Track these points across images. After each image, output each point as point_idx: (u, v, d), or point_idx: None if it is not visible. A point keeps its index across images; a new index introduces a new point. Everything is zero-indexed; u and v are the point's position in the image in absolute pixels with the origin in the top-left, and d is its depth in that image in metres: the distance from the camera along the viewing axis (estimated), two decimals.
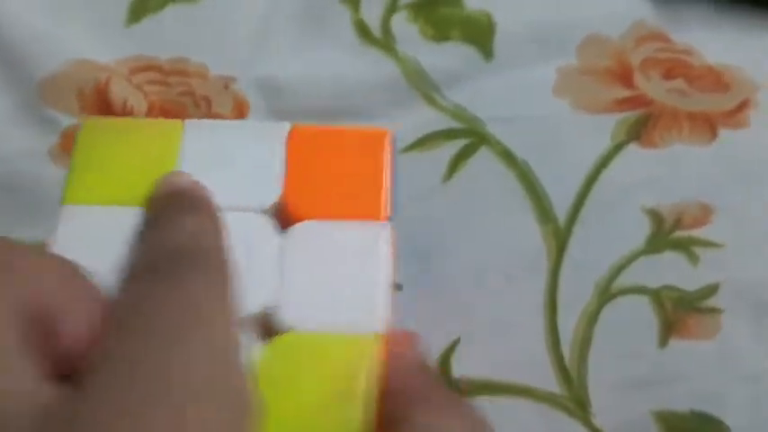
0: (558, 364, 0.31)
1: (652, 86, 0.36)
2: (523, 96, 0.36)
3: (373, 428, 0.19)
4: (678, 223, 0.33)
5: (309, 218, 0.23)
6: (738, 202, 0.34)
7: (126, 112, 0.35)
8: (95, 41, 0.36)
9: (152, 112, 0.35)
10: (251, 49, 0.36)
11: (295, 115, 0.33)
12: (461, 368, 0.31)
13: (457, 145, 0.35)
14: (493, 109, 0.36)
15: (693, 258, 0.33)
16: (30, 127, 0.35)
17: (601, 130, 0.36)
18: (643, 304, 0.32)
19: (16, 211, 0.34)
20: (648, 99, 0.36)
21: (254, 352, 0.20)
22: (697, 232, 0.33)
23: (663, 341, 0.31)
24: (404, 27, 0.37)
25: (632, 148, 0.35)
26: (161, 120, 0.26)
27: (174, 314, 0.16)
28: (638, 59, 0.37)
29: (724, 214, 0.34)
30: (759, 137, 0.35)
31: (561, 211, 0.34)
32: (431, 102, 0.36)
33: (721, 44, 0.37)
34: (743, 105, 0.36)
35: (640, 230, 0.33)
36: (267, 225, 0.22)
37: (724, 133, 0.35)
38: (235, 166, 0.24)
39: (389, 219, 0.23)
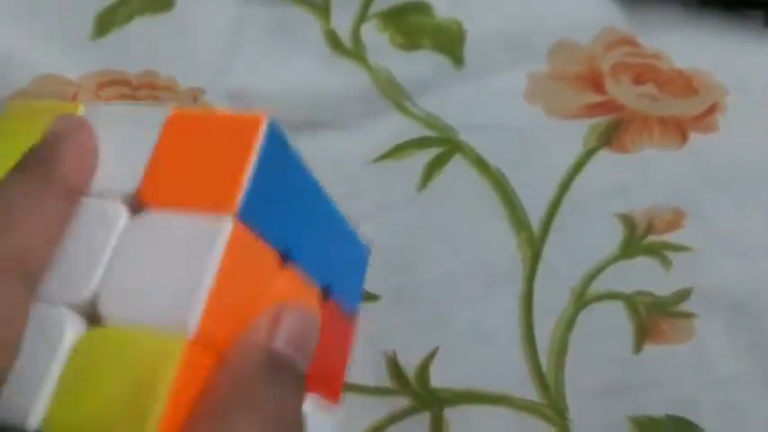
0: (536, 371, 0.31)
1: (622, 91, 0.36)
2: (495, 103, 0.36)
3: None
4: (650, 228, 0.34)
5: (158, 207, 0.21)
6: (709, 205, 0.34)
7: None
8: (62, 56, 0.36)
9: None
10: (220, 60, 0.36)
11: None
12: (439, 378, 0.31)
13: (430, 153, 0.35)
14: (465, 116, 0.36)
15: (666, 263, 0.33)
16: None
17: (573, 135, 0.36)
18: (618, 310, 0.32)
19: None
20: (619, 104, 0.36)
21: (75, 340, 0.19)
22: (669, 237, 0.33)
23: (638, 347, 0.31)
24: (374, 36, 0.37)
25: (604, 154, 0.35)
26: (62, 102, 0.25)
27: None
28: (609, 65, 0.37)
29: (695, 218, 0.34)
30: (728, 140, 0.36)
31: (535, 218, 0.34)
32: (403, 110, 0.36)
33: (690, 48, 0.37)
34: (712, 109, 0.36)
35: (614, 236, 0.33)
36: (115, 213, 0.21)
37: (694, 137, 0.36)
38: (108, 150, 0.23)
39: (242, 214, 0.21)
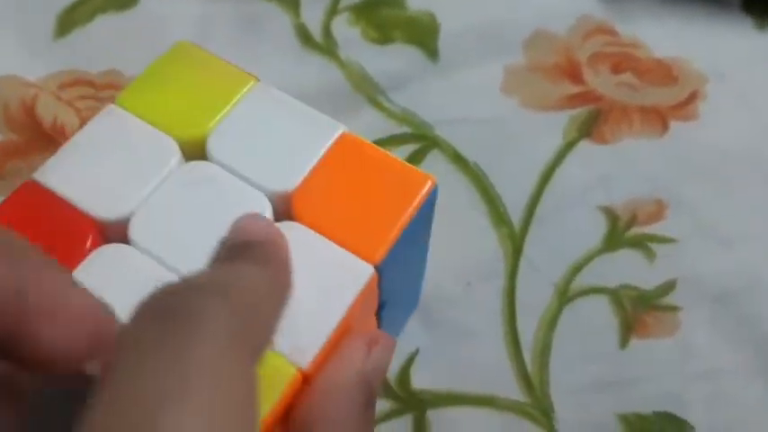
0: (520, 370, 0.30)
1: (601, 81, 0.36)
2: (471, 97, 0.36)
3: None
4: (633, 220, 0.33)
5: (305, 222, 0.22)
6: (691, 195, 0.34)
7: (57, 129, 0.33)
8: (23, 57, 0.35)
9: None
10: None
11: None
12: (422, 380, 0.30)
13: (406, 150, 0.34)
14: (441, 111, 0.35)
15: (650, 255, 0.32)
16: None
17: (552, 127, 0.35)
18: (602, 305, 0.31)
19: None
20: (598, 94, 0.36)
21: None
22: (652, 228, 0.33)
23: (623, 341, 0.31)
24: (345, 30, 0.36)
25: (584, 145, 0.35)
26: (239, 70, 0.24)
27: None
28: (586, 55, 0.36)
29: (678, 208, 0.33)
30: (709, 128, 0.35)
31: (516, 213, 0.33)
32: (377, 106, 0.35)
33: (668, 36, 0.37)
34: (692, 97, 0.36)
35: (596, 229, 0.33)
36: (260, 208, 0.22)
37: (675, 126, 0.35)
38: (272, 141, 0.23)
39: (381, 266, 0.21)
